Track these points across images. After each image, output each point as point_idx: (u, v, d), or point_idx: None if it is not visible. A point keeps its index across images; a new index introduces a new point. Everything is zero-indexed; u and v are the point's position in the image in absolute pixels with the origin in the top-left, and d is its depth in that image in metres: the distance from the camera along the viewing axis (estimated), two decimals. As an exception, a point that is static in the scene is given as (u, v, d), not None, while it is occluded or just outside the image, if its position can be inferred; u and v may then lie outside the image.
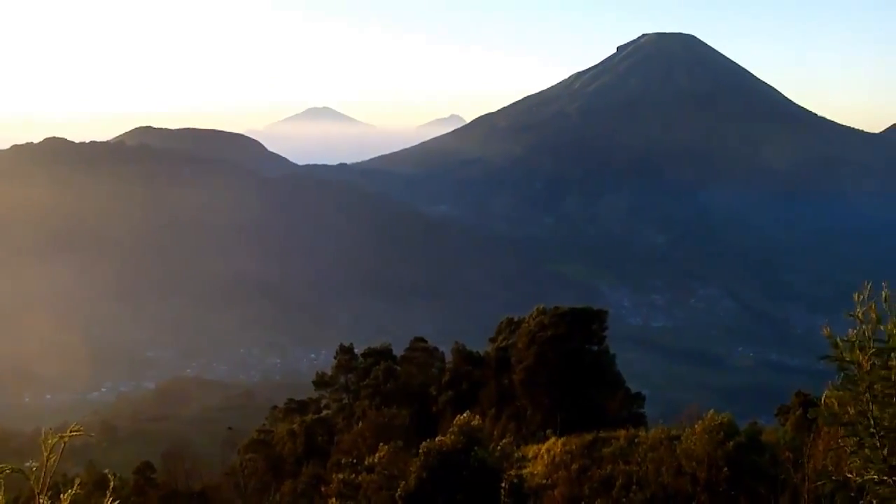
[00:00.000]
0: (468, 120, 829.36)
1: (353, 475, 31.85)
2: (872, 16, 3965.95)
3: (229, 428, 64.84)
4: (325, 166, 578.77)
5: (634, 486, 34.25)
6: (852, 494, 8.14)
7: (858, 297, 8.05)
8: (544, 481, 39.25)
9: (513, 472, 28.56)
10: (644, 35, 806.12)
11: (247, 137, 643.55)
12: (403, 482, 26.51)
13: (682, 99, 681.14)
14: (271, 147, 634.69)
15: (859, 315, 8.02)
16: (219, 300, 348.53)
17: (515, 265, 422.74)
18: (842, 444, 8.22)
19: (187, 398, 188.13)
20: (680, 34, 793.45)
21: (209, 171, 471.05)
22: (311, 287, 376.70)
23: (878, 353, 7.91)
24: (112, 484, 7.00)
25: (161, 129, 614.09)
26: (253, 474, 50.93)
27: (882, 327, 7.97)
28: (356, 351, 68.94)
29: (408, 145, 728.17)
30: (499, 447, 28.26)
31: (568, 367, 55.50)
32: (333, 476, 33.69)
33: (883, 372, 7.79)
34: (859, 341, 7.98)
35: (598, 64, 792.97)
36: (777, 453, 32.19)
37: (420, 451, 26.99)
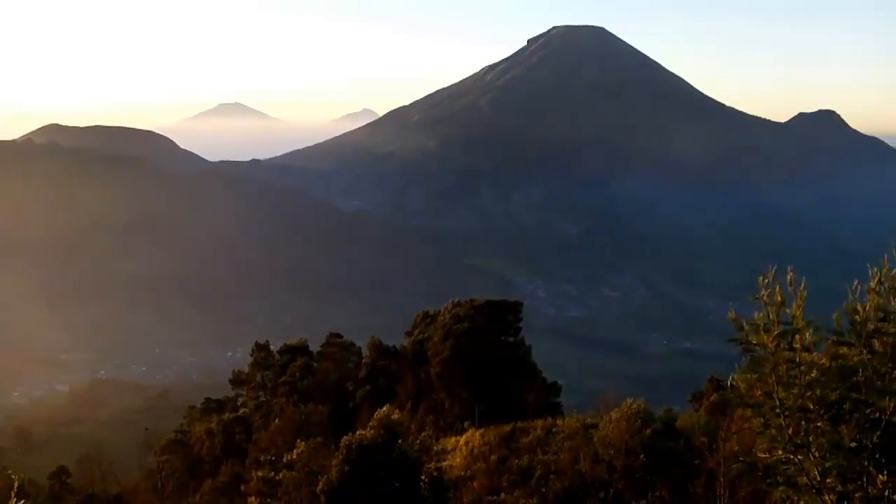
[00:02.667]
0: (381, 114, 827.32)
1: (273, 473, 31.77)
2: (777, 7, 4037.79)
3: (146, 429, 64.18)
4: (237, 162, 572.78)
5: (552, 476, 34.63)
6: (760, 474, 8.34)
7: (763, 280, 8.25)
8: (464, 473, 39.45)
9: (432, 465, 28.67)
10: (554, 28, 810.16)
11: (157, 134, 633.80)
12: (324, 477, 26.48)
13: (593, 91, 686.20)
14: (182, 144, 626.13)
15: (764, 298, 8.23)
16: (132, 300, 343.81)
17: (431, 258, 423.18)
18: (750, 426, 8.43)
19: (103, 400, 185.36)
20: (590, 26, 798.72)
21: (120, 169, 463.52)
22: (226, 284, 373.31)
23: (782, 335, 8.12)
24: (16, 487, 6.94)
25: (70, 127, 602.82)
26: (171, 475, 50.52)
27: (787, 310, 8.18)
28: (273, 348, 68.72)
29: (321, 140, 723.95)
30: (418, 440, 28.33)
31: (484, 359, 55.82)
32: (253, 474, 33.58)
33: (787, 353, 7.99)
34: (764, 324, 8.18)
35: (509, 57, 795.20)
36: (692, 438, 32.77)
37: (341, 445, 26.99)
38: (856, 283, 8.21)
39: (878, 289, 8.08)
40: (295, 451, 31.35)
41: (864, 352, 7.90)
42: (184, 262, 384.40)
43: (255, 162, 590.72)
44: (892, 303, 8.05)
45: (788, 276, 8.24)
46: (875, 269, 8.18)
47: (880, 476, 7.93)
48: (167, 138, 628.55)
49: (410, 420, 43.03)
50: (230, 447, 54.17)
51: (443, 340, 56.89)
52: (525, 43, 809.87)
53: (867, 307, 8.02)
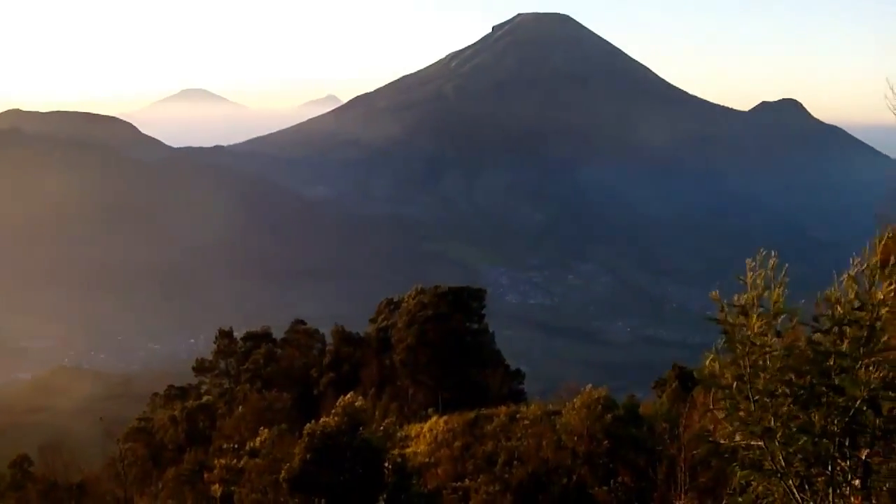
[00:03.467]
0: (345, 100, 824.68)
1: (236, 460, 31.61)
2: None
3: (100, 418, 63.57)
4: (200, 148, 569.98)
5: (516, 462, 34.67)
6: (726, 456, 8.35)
7: (751, 263, 8.26)
8: (428, 460, 39.50)
9: (396, 452, 28.66)
10: (519, 14, 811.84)
11: (119, 120, 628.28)
12: (288, 465, 26.38)
13: (558, 78, 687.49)
14: (145, 130, 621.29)
15: (749, 281, 8.24)
16: (95, 287, 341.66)
17: (396, 245, 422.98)
18: (715, 409, 8.44)
19: (65, 388, 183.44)
20: (555, 14, 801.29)
21: (81, 155, 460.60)
22: (189, 271, 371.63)
23: (763, 318, 8.14)
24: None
25: (31, 112, 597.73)
26: (133, 463, 50.06)
27: (766, 294, 8.19)
28: (236, 335, 68.46)
29: (285, 126, 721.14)
30: (382, 427, 28.28)
31: (448, 346, 55.83)
32: (216, 462, 33.38)
33: (764, 338, 8.01)
34: (746, 306, 8.20)
35: (475, 43, 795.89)
36: (654, 425, 32.89)
37: (304, 433, 26.89)
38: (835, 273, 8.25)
39: (856, 276, 8.11)
40: (258, 439, 31.24)
41: (838, 339, 7.93)
42: (147, 250, 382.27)
43: (218, 148, 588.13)
44: (870, 291, 8.07)
45: (771, 262, 8.25)
46: (856, 259, 8.19)
47: (840, 462, 7.97)
48: (129, 124, 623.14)
49: (374, 407, 43.00)
50: (193, 435, 53.85)
51: (407, 327, 56.85)
52: (490, 30, 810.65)
53: (847, 295, 8.04)
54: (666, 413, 35.41)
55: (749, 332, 8.06)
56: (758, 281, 8.19)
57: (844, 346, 7.82)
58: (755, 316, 8.09)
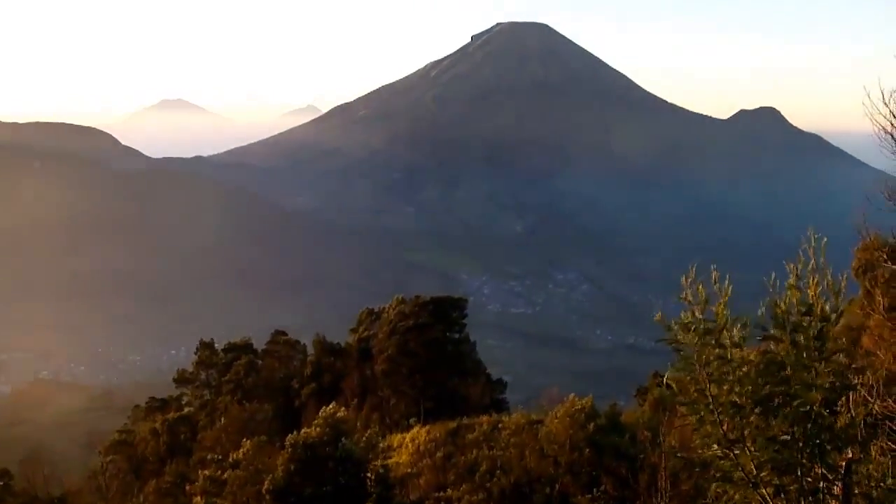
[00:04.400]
0: (325, 110, 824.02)
1: (219, 472, 31.67)
2: (719, 7, 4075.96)
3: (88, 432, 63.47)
4: (180, 159, 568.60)
5: (499, 471, 34.81)
6: (697, 469, 8.52)
7: (686, 279, 8.45)
8: (410, 470, 39.59)
9: (379, 462, 28.76)
10: (498, 24, 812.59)
11: (98, 130, 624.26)
12: (271, 476, 26.47)
13: (537, 87, 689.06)
14: (125, 140, 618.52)
15: (688, 297, 8.42)
16: (74, 298, 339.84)
17: (376, 255, 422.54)
18: (688, 422, 8.62)
19: (45, 401, 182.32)
20: (534, 23, 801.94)
21: (60, 165, 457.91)
22: (169, 282, 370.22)
23: (707, 333, 8.31)
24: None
25: (8, 122, 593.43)
26: (115, 476, 50.05)
27: (712, 308, 8.37)
28: (217, 346, 68.35)
29: (265, 136, 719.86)
30: (364, 438, 28.39)
31: (429, 356, 55.93)
32: (198, 474, 33.45)
33: (717, 350, 8.18)
34: (688, 322, 8.38)
35: (454, 53, 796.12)
36: (636, 433, 33.09)
37: (286, 444, 26.99)
38: (773, 276, 8.44)
39: (797, 283, 8.31)
40: (240, 450, 31.30)
41: (790, 346, 8.11)
42: (126, 260, 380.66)
43: (198, 158, 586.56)
44: (812, 297, 8.28)
45: (713, 274, 8.44)
46: (792, 265, 8.40)
47: (815, 468, 8.13)
48: (108, 134, 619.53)
49: (356, 418, 43.09)
50: (175, 447, 53.82)
51: (388, 337, 56.94)
52: (469, 39, 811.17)
53: (786, 301, 8.24)
54: (647, 421, 35.61)
55: (696, 348, 8.23)
56: (700, 295, 8.37)
57: (794, 354, 8.01)
58: (699, 331, 8.26)
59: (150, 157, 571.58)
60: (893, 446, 9.27)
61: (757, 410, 8.05)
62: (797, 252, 8.87)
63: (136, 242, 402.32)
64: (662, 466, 22.33)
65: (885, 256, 19.13)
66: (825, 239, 8.66)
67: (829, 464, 8.07)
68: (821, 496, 8.09)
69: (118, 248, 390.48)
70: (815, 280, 8.32)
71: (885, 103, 12.90)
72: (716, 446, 8.25)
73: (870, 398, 8.14)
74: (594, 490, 29.72)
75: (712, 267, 8.52)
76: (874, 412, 8.31)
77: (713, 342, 8.23)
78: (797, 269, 8.39)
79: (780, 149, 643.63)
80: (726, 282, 8.47)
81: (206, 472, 32.28)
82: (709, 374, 8.16)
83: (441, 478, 37.91)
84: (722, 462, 8.25)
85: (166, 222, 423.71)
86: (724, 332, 8.27)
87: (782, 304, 8.26)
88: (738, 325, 8.36)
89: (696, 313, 8.41)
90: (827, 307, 8.21)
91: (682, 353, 8.41)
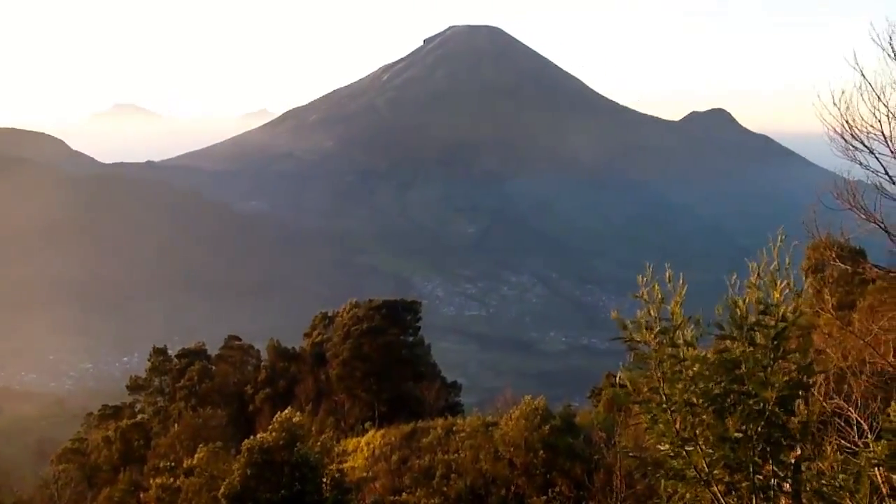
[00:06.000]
0: (277, 114, 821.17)
1: (173, 479, 31.48)
2: (670, 8, 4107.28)
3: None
4: (132, 164, 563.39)
5: (454, 474, 34.84)
6: (650, 468, 8.57)
7: (642, 279, 8.51)
8: (366, 474, 39.59)
9: (334, 467, 28.69)
10: (451, 27, 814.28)
11: (47, 136, 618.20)
12: (227, 481, 26.32)
13: (489, 90, 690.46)
14: (75, 145, 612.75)
15: (644, 296, 8.49)
16: (24, 305, 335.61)
17: (330, 259, 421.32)
18: (640, 422, 8.67)
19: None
20: (486, 27, 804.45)
21: (9, 170, 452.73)
22: (121, 288, 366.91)
23: (663, 332, 8.37)
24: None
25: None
26: (67, 485, 49.42)
27: (667, 307, 8.44)
28: (170, 352, 67.93)
29: (218, 140, 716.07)
30: (319, 442, 28.31)
31: (384, 360, 55.98)
32: (152, 481, 33.21)
33: (670, 349, 8.24)
34: (645, 321, 8.44)
35: (406, 56, 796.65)
36: (591, 434, 33.24)
37: (242, 449, 26.86)
38: (734, 276, 8.53)
39: (757, 283, 8.39)
40: (195, 457, 31.12)
41: (747, 345, 8.18)
42: (77, 266, 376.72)
43: (150, 163, 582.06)
44: (771, 296, 8.36)
45: (667, 273, 8.51)
46: (754, 264, 8.49)
47: (767, 465, 8.21)
48: (58, 140, 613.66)
49: (311, 422, 42.94)
50: (128, 454, 53.43)
51: (342, 341, 56.90)
52: (422, 43, 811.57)
53: (746, 301, 8.32)
54: (602, 422, 35.80)
55: (653, 347, 8.30)
56: (655, 294, 8.44)
57: (750, 352, 8.09)
58: (655, 330, 8.33)
59: (101, 163, 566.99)
60: (844, 443, 9.41)
61: (710, 409, 8.11)
62: (749, 252, 8.96)
63: (87, 248, 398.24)
64: (617, 466, 22.48)
65: (834, 256, 19.38)
66: (794, 242, 8.76)
67: (781, 461, 8.14)
68: (772, 493, 8.16)
69: (69, 255, 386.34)
70: (780, 281, 8.40)
71: (835, 104, 13.09)
72: (668, 445, 8.30)
73: (819, 396, 8.25)
74: (549, 491, 29.83)
75: (667, 266, 8.58)
76: (824, 410, 8.42)
77: (668, 340, 8.29)
78: (759, 268, 8.48)
79: (731, 150, 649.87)
80: (680, 281, 8.54)
81: (160, 480, 32.09)
82: (662, 372, 8.21)
83: (397, 482, 37.91)
84: (674, 460, 8.30)
85: (118, 228, 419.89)
86: (678, 330, 8.34)
87: (741, 304, 8.33)
88: (692, 324, 8.43)
89: (652, 312, 8.46)
90: (788, 308, 8.30)
91: (636, 351, 8.47)
